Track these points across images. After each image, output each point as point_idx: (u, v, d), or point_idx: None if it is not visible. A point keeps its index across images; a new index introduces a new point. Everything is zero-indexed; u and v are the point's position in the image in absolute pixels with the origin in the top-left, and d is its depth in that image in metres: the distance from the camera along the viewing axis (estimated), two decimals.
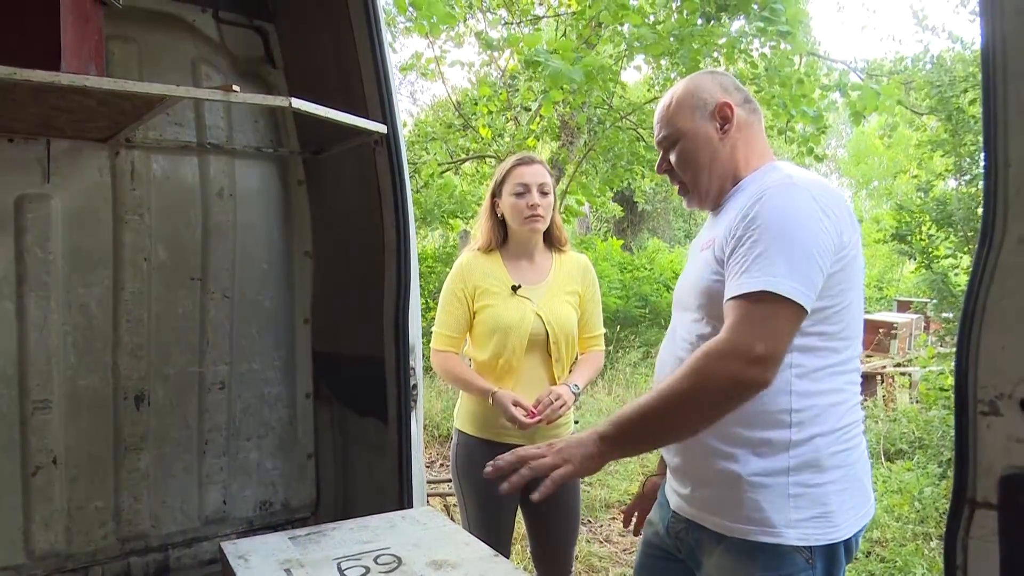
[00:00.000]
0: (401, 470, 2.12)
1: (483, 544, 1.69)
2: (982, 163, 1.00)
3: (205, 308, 2.40)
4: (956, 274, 6.70)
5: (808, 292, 1.35)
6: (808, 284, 1.35)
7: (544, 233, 2.53)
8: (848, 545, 1.49)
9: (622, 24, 6.89)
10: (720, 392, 1.33)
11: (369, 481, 2.34)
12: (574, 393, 2.41)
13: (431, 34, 6.61)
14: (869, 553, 4.04)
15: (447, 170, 10.15)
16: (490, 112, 8.80)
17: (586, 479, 4.52)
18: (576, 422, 2.69)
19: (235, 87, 1.62)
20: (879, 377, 7.78)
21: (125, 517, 2.29)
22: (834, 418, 1.47)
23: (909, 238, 6.69)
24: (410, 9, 6.15)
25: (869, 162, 24.58)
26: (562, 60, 6.14)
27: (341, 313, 2.52)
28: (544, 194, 2.43)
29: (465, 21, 8.94)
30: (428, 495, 3.82)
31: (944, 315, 6.89)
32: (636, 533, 1.91)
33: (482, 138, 8.90)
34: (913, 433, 5.85)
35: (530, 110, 8.76)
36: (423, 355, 2.31)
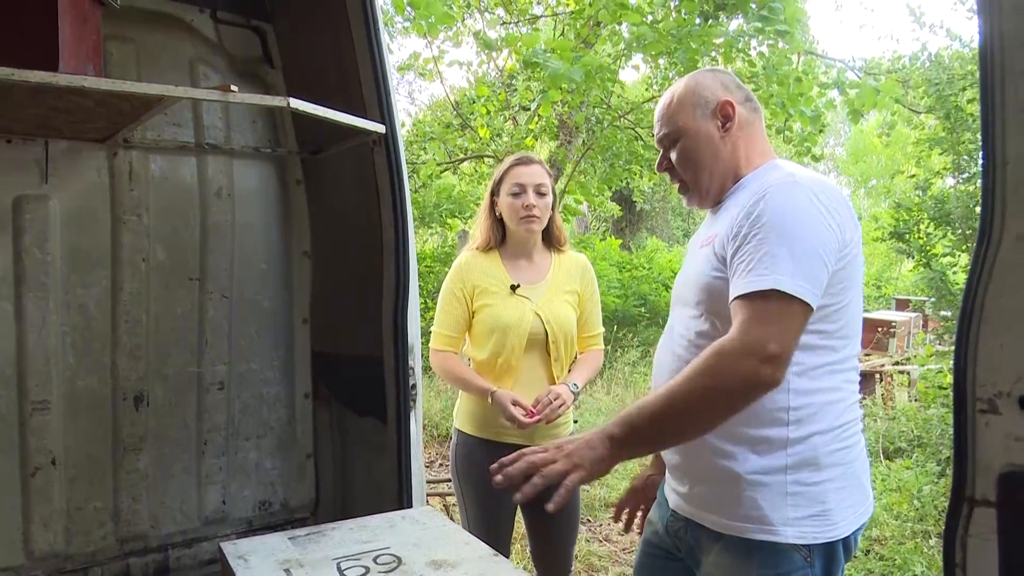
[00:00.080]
0: (400, 470, 2.12)
1: (483, 544, 1.69)
2: (980, 161, 1.00)
3: (204, 308, 2.40)
4: (954, 272, 6.70)
5: (814, 290, 1.35)
6: (814, 282, 1.36)
7: (543, 232, 2.53)
8: (847, 543, 1.49)
9: (620, 23, 6.89)
10: (734, 391, 1.32)
11: (368, 481, 2.34)
12: (573, 392, 2.41)
13: (429, 34, 6.61)
14: (868, 551, 4.05)
15: (446, 170, 10.15)
16: (488, 112, 8.79)
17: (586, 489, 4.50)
18: (575, 421, 2.69)
19: (233, 87, 1.61)
20: (878, 375, 7.79)
21: (124, 518, 2.28)
22: (832, 416, 1.47)
23: (907, 236, 6.69)
24: (408, 9, 6.15)
25: (868, 161, 24.60)
26: (561, 60, 6.14)
27: (340, 313, 2.52)
28: (541, 195, 2.43)
29: (463, 21, 8.93)
30: (428, 495, 3.82)
31: (942, 313, 6.90)
32: (627, 529, 1.90)
33: (480, 138, 8.89)
34: (912, 431, 5.86)
35: (528, 110, 8.76)
36: (422, 355, 2.32)
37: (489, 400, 2.35)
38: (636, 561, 1.83)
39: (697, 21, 6.72)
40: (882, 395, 7.49)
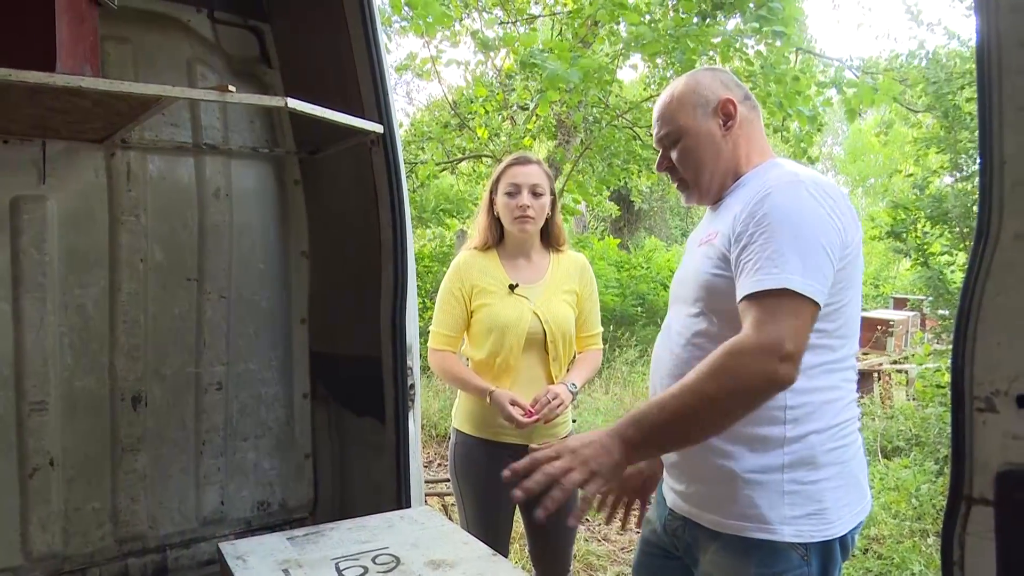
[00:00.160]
0: (399, 470, 2.13)
1: (481, 543, 1.69)
2: (978, 160, 1.01)
3: (202, 309, 2.40)
4: (952, 271, 6.70)
5: (822, 289, 1.35)
6: (822, 281, 1.36)
7: (542, 232, 2.53)
8: (844, 542, 1.49)
9: (618, 23, 6.89)
10: (753, 391, 1.31)
11: (367, 481, 2.34)
12: (572, 392, 2.41)
13: (427, 34, 6.60)
14: (866, 550, 4.05)
15: (444, 170, 10.15)
16: (487, 112, 8.79)
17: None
18: (574, 421, 2.69)
19: (231, 87, 1.61)
20: (876, 374, 7.79)
21: (123, 518, 2.28)
22: (829, 415, 1.48)
23: (904, 235, 6.69)
24: (406, 9, 6.14)
25: (866, 160, 24.62)
26: (558, 60, 6.14)
27: (338, 313, 2.52)
28: (537, 195, 2.42)
29: (461, 20, 8.92)
30: (426, 495, 3.82)
31: (940, 312, 6.89)
32: (607, 521, 1.82)
33: (478, 137, 8.89)
34: (910, 430, 5.86)
35: (526, 109, 8.76)
36: (420, 354, 2.31)
37: (487, 400, 2.35)
38: (634, 560, 1.83)
39: (695, 20, 6.72)
40: (880, 394, 7.50)
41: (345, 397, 2.49)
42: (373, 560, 1.59)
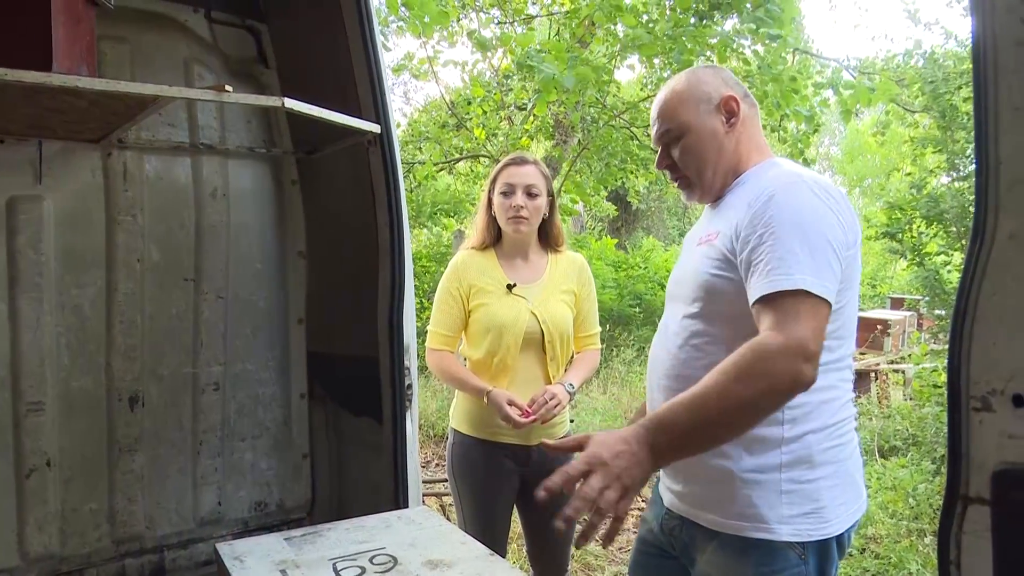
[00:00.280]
0: (396, 470, 2.12)
1: (479, 543, 1.69)
2: (973, 160, 1.01)
3: (199, 309, 2.39)
4: (948, 271, 6.72)
5: (833, 289, 1.36)
6: (832, 281, 1.36)
7: (540, 232, 2.53)
8: (840, 541, 1.50)
9: (616, 24, 6.89)
10: (782, 392, 1.29)
11: (364, 481, 2.34)
12: (569, 392, 2.41)
13: (424, 34, 6.59)
14: (864, 550, 4.06)
15: (441, 170, 10.15)
16: (484, 112, 8.79)
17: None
18: (571, 421, 2.69)
19: (228, 87, 1.61)
20: (873, 374, 7.81)
21: (120, 519, 2.28)
22: (826, 415, 1.48)
23: (899, 236, 6.70)
24: (403, 9, 6.14)
25: (864, 159, 24.66)
26: (556, 60, 6.14)
27: (335, 313, 2.52)
28: (532, 196, 2.42)
29: (459, 20, 8.92)
30: (424, 495, 3.83)
31: (937, 312, 6.91)
32: (605, 545, 1.75)
33: (476, 138, 8.89)
34: (907, 430, 5.88)
35: (524, 109, 8.76)
36: (418, 354, 2.31)
37: (485, 400, 2.35)
38: (631, 559, 1.83)
39: (692, 21, 6.72)
40: (877, 394, 7.51)
41: (343, 397, 2.49)
42: (370, 560, 1.59)
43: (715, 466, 1.48)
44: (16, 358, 2.09)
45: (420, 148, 9.56)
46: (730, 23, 7.02)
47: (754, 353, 1.28)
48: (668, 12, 7.13)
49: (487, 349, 2.41)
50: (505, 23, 8.79)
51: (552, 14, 8.76)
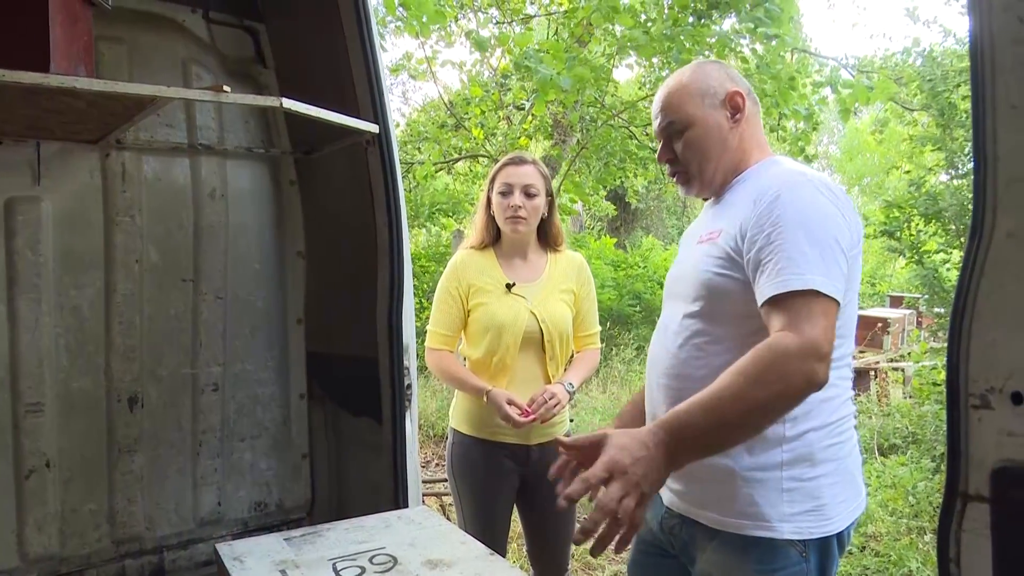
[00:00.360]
0: (396, 470, 2.12)
1: (479, 543, 1.69)
2: (971, 158, 1.01)
3: (197, 309, 2.39)
4: (948, 269, 6.72)
5: (841, 288, 1.36)
6: (840, 280, 1.36)
7: (539, 232, 2.53)
8: (841, 538, 1.50)
9: (613, 24, 6.88)
10: (796, 393, 1.28)
11: (364, 481, 2.34)
12: (569, 391, 2.41)
13: (421, 34, 6.58)
14: (864, 547, 4.06)
15: (440, 169, 10.15)
16: (483, 112, 8.78)
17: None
18: (571, 420, 2.69)
19: (226, 87, 1.61)
20: (872, 372, 7.82)
21: (119, 519, 2.28)
22: (826, 413, 1.48)
23: (897, 234, 6.70)
24: (400, 9, 6.13)
25: (863, 158, 24.66)
26: (554, 60, 6.13)
27: (334, 313, 2.52)
28: (529, 196, 2.42)
29: (456, 20, 8.92)
30: (424, 495, 3.82)
31: (936, 310, 6.91)
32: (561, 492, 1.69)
33: (474, 137, 8.89)
34: (906, 428, 5.88)
35: (523, 109, 8.76)
36: (418, 354, 2.31)
37: (484, 399, 2.35)
38: (630, 559, 1.82)
39: (690, 20, 6.72)
40: (877, 392, 7.52)
41: (342, 397, 2.49)
42: (370, 560, 1.59)
43: (716, 465, 1.48)
44: (15, 359, 2.09)
45: (419, 148, 9.56)
46: (728, 22, 7.02)
47: (770, 354, 1.27)
48: (666, 11, 7.12)
49: (486, 348, 2.41)
50: (503, 23, 8.78)
51: (551, 14, 8.76)
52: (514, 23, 8.74)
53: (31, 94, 1.52)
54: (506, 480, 2.45)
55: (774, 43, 6.55)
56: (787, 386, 1.26)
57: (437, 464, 5.71)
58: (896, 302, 10.58)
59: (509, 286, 2.43)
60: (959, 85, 7.02)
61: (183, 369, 2.38)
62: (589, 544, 1.22)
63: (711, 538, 1.53)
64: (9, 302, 2.08)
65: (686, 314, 1.57)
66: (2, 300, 2.07)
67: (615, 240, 14.02)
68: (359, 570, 1.55)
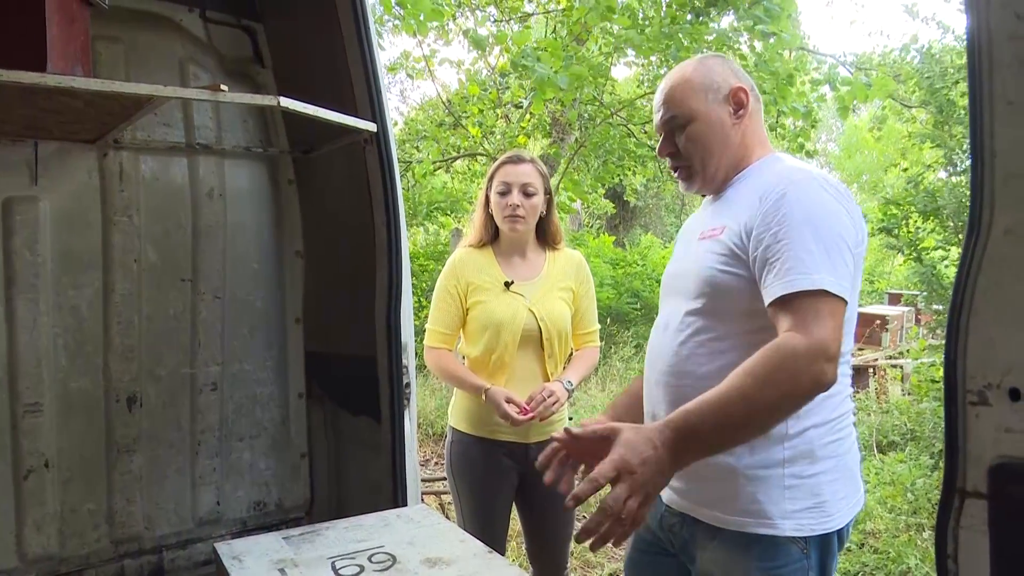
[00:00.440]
0: (395, 469, 2.12)
1: (477, 541, 1.69)
2: (968, 155, 1.01)
3: (196, 309, 2.39)
4: (946, 266, 6.72)
5: (848, 287, 1.36)
6: (848, 279, 1.36)
7: (537, 230, 2.53)
8: (840, 534, 1.50)
9: (611, 24, 6.88)
10: (804, 394, 1.28)
11: (363, 480, 2.34)
12: (568, 389, 2.41)
13: (419, 32, 6.58)
14: (862, 544, 4.06)
15: (439, 168, 10.14)
16: (481, 111, 8.78)
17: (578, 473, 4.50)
18: (570, 419, 2.70)
19: (223, 87, 1.61)
20: (871, 370, 7.81)
21: (118, 519, 2.28)
22: (827, 410, 1.48)
23: (896, 231, 6.70)
24: (397, 8, 6.13)
25: (862, 155, 24.66)
26: (551, 58, 6.13)
27: (333, 313, 2.52)
28: (528, 195, 2.42)
29: (454, 19, 8.92)
30: (423, 493, 3.82)
31: (935, 307, 6.92)
32: (549, 481, 1.58)
33: (473, 136, 8.88)
34: (905, 425, 5.88)
35: (521, 107, 8.75)
36: (416, 353, 2.31)
37: (483, 398, 2.35)
38: (627, 557, 1.82)
39: (688, 17, 6.72)
40: (875, 389, 7.51)
41: (341, 396, 2.49)
42: (369, 559, 1.59)
43: (717, 463, 1.46)
44: (13, 359, 2.09)
45: (417, 147, 9.56)
46: (727, 20, 7.03)
47: (778, 355, 1.27)
48: (664, 9, 7.12)
49: (485, 347, 2.41)
50: (501, 21, 8.78)
51: (549, 12, 8.75)
52: (512, 21, 8.73)
53: (28, 94, 1.52)
54: (505, 478, 2.45)
55: (772, 41, 6.55)
56: (795, 387, 1.26)
57: (436, 463, 5.71)
58: (895, 299, 10.58)
59: (507, 284, 2.43)
60: (957, 82, 7.02)
61: (182, 369, 2.38)
62: (589, 542, 1.23)
63: (712, 536, 1.53)
64: (7, 302, 2.08)
65: (688, 311, 1.56)
66: (0, 300, 2.07)
67: (614, 238, 14.02)
68: (358, 569, 1.55)
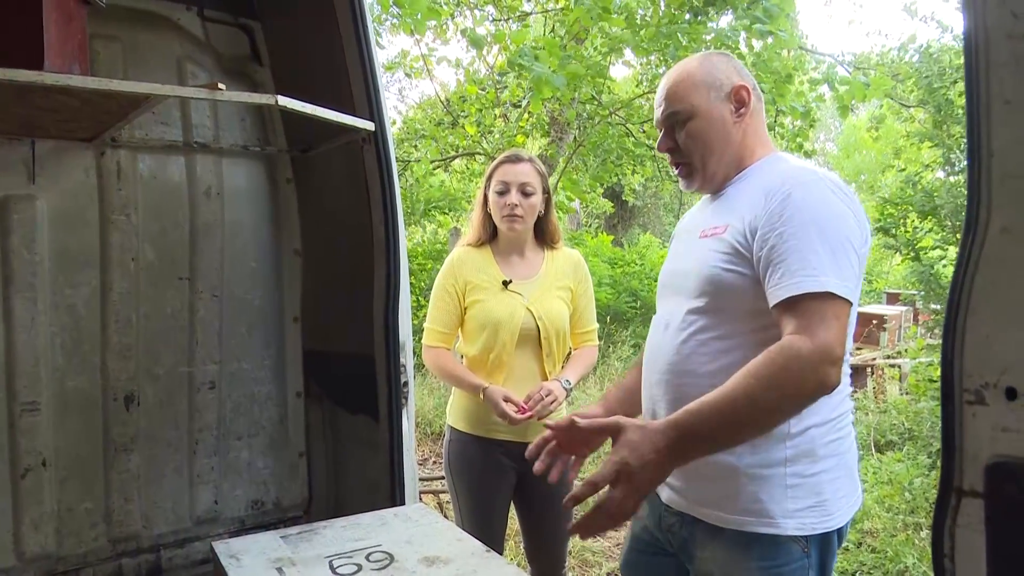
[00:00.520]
0: (393, 467, 2.12)
1: (475, 540, 1.69)
2: (966, 154, 1.01)
3: (194, 308, 2.39)
4: (944, 266, 6.73)
5: (854, 289, 1.36)
6: (853, 281, 1.36)
7: (536, 229, 2.53)
8: (840, 533, 1.51)
9: (608, 24, 6.88)
10: (809, 397, 1.29)
11: (361, 479, 2.34)
12: (566, 388, 2.42)
13: (416, 31, 6.58)
14: (860, 544, 4.07)
15: (437, 167, 10.15)
16: (480, 110, 8.78)
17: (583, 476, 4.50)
18: None
19: (221, 85, 1.60)
20: (869, 369, 7.82)
21: (116, 518, 2.28)
22: (828, 408, 1.48)
23: (893, 231, 6.71)
24: (394, 7, 6.13)
25: (861, 155, 24.68)
26: (549, 56, 6.13)
27: (331, 311, 2.52)
28: (527, 194, 2.42)
29: (453, 18, 8.91)
30: (421, 492, 3.82)
31: (933, 306, 6.93)
32: (538, 471, 1.60)
33: (471, 135, 8.88)
34: (903, 424, 5.89)
35: (519, 106, 8.76)
36: (415, 352, 2.31)
37: (481, 397, 2.35)
38: (623, 557, 1.82)
39: (687, 17, 6.72)
40: (873, 388, 7.52)
41: (339, 395, 2.49)
42: (367, 557, 1.59)
43: (718, 462, 1.47)
44: (11, 358, 2.08)
45: (415, 146, 9.56)
46: (725, 19, 7.03)
47: (783, 359, 1.28)
48: (662, 9, 7.12)
49: (483, 345, 2.41)
50: (500, 20, 8.78)
51: (547, 11, 8.75)
52: (510, 20, 8.73)
53: (25, 92, 1.51)
54: (503, 477, 2.45)
55: (770, 40, 6.55)
56: (799, 390, 1.27)
57: (434, 462, 5.71)
58: (893, 299, 10.59)
59: (506, 283, 2.44)
60: (956, 81, 7.03)
61: (179, 368, 2.38)
62: (579, 535, 1.28)
63: (712, 535, 1.53)
64: (4, 301, 2.07)
65: (690, 309, 1.55)
66: None
67: (612, 237, 14.01)
68: (355, 567, 1.55)
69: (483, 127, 8.82)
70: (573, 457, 1.62)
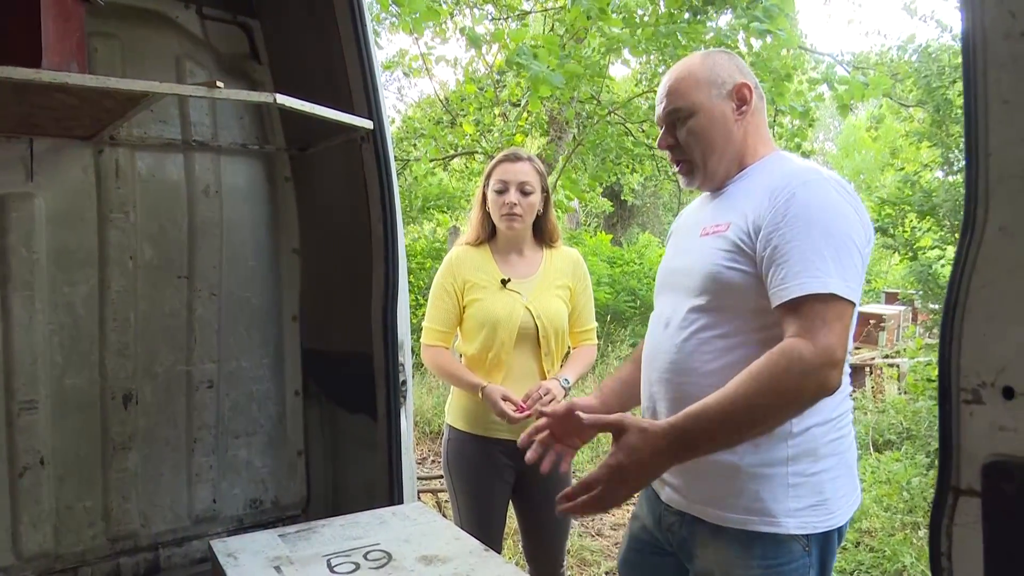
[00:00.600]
0: (391, 466, 2.12)
1: (473, 539, 1.69)
2: (964, 153, 1.01)
3: (192, 306, 2.39)
4: (943, 265, 6.73)
5: (857, 290, 1.36)
6: (857, 282, 1.36)
7: (534, 228, 2.53)
8: (840, 531, 1.51)
9: (606, 24, 6.87)
10: (808, 399, 1.30)
11: (360, 478, 2.34)
12: (564, 387, 2.41)
13: (415, 31, 6.58)
14: (858, 543, 4.07)
15: (436, 166, 10.15)
16: (478, 109, 8.78)
17: (578, 473, 4.51)
18: None
19: (219, 83, 1.60)
20: (868, 369, 7.83)
21: (114, 517, 2.28)
22: (829, 408, 1.48)
23: (892, 231, 6.71)
24: (393, 6, 6.12)
25: (860, 154, 24.68)
26: (548, 54, 6.12)
27: (329, 310, 2.52)
28: (525, 193, 2.42)
29: (452, 17, 8.91)
30: (420, 491, 3.82)
31: (931, 306, 6.93)
32: (530, 460, 1.63)
33: (469, 134, 8.88)
34: (901, 424, 5.89)
35: (518, 105, 8.75)
36: (413, 351, 2.31)
37: (479, 395, 2.35)
38: (621, 556, 1.81)
39: (686, 16, 6.72)
40: (872, 388, 7.53)
41: (337, 394, 2.49)
42: (365, 556, 1.59)
43: (719, 461, 1.46)
44: (9, 357, 2.08)
45: (415, 145, 9.56)
46: (724, 19, 7.02)
47: (784, 361, 1.28)
48: (661, 8, 7.11)
49: (482, 344, 2.41)
50: (499, 19, 8.77)
51: (546, 10, 8.75)
52: (510, 19, 8.73)
53: (23, 90, 1.51)
54: (502, 476, 2.45)
55: (770, 40, 6.54)
56: (800, 393, 1.28)
57: (433, 461, 5.71)
58: (891, 298, 10.60)
59: (504, 282, 2.43)
60: (955, 81, 7.03)
61: (178, 366, 2.38)
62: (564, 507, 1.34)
63: (713, 534, 1.52)
64: (3, 299, 2.07)
65: (691, 307, 1.54)
66: None
67: (611, 237, 14.02)
68: (353, 566, 1.55)
69: (482, 126, 8.82)
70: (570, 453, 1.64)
